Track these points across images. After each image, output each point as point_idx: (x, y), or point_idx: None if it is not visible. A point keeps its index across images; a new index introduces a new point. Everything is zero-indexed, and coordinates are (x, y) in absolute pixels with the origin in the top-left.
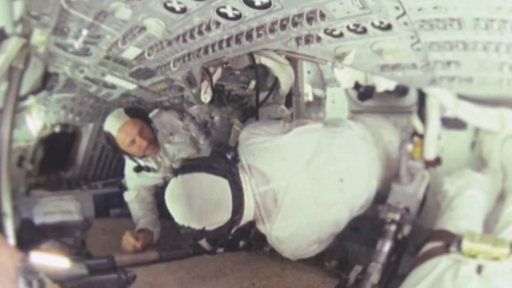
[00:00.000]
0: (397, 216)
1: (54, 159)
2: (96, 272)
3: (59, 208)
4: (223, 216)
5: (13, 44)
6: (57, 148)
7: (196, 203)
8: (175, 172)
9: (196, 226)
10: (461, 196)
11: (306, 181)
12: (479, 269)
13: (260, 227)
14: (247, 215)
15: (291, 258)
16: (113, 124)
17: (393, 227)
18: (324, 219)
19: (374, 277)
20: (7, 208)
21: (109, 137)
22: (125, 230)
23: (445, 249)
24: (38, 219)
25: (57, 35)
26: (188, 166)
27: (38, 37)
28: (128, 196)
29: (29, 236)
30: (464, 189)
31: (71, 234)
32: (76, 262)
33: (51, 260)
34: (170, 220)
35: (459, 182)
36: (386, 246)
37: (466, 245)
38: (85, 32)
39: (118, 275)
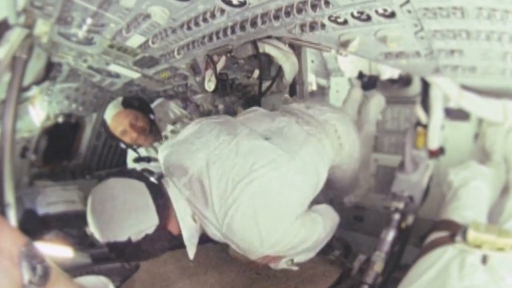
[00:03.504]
0: (401, 205)
1: (58, 149)
2: (100, 261)
3: (62, 198)
4: (148, 220)
5: (16, 35)
6: (60, 138)
7: (113, 210)
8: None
9: (119, 237)
10: (466, 187)
11: (226, 150)
12: (484, 259)
13: (207, 228)
14: (182, 213)
15: (275, 256)
16: (109, 113)
17: (397, 216)
18: (272, 181)
19: (378, 266)
20: (10, 198)
21: (104, 125)
22: None
23: (451, 239)
24: (42, 210)
25: (60, 25)
26: (104, 177)
27: (41, 27)
28: None
29: (33, 227)
30: (469, 180)
31: (75, 224)
32: (80, 252)
33: (54, 250)
34: None
35: (464, 173)
36: (390, 235)
37: (471, 235)
38: (89, 21)
39: (122, 264)
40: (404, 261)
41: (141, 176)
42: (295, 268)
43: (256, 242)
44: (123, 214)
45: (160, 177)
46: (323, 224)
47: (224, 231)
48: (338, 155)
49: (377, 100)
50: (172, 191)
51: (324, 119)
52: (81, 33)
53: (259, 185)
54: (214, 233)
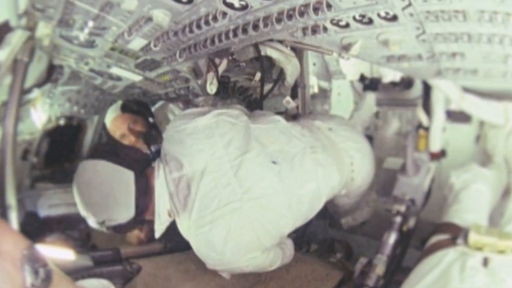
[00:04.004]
0: (402, 208)
1: (59, 151)
2: (101, 264)
3: (64, 200)
4: (124, 213)
5: (17, 37)
6: (62, 141)
7: (96, 194)
8: (86, 156)
9: (95, 218)
10: (468, 190)
11: (228, 165)
12: (485, 262)
13: (179, 222)
14: (161, 207)
15: (223, 270)
16: (108, 116)
17: (398, 219)
18: (259, 208)
19: (380, 269)
20: (12, 200)
21: (105, 128)
22: None
23: (452, 242)
24: (43, 212)
25: (62, 28)
26: (97, 151)
27: (43, 29)
28: None
29: (34, 229)
30: (471, 183)
31: (76, 227)
32: (81, 254)
33: (56, 252)
34: None
35: (466, 176)
36: (391, 238)
37: (472, 237)
38: (90, 23)
39: (123, 267)
40: (405, 264)
41: (132, 164)
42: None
43: (216, 261)
44: (103, 201)
45: (157, 152)
46: (281, 261)
47: (191, 238)
48: (345, 188)
49: (369, 102)
50: (159, 183)
51: (344, 148)
52: (83, 36)
53: (242, 215)
54: (182, 231)
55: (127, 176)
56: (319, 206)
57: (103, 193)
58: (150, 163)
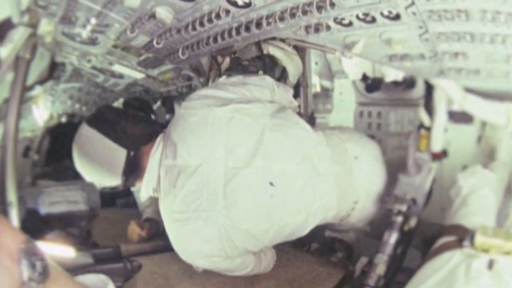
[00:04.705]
0: (404, 207)
1: (61, 149)
2: (102, 262)
3: (65, 198)
4: (111, 182)
5: (20, 34)
6: (64, 138)
7: (86, 160)
8: (89, 117)
9: (86, 178)
10: (475, 195)
11: (223, 171)
12: (491, 264)
13: (160, 203)
14: (149, 181)
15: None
16: None
17: (399, 218)
18: (234, 227)
19: (380, 268)
20: (13, 197)
21: None
22: (131, 220)
23: (459, 244)
24: (44, 209)
25: (64, 25)
26: (97, 118)
27: (45, 26)
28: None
29: (35, 226)
30: (479, 188)
31: (77, 224)
32: (82, 252)
33: (56, 249)
34: None
35: (473, 181)
36: (392, 238)
37: (478, 239)
38: (93, 20)
39: (124, 264)
40: (405, 264)
41: (128, 141)
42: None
43: (179, 252)
44: (92, 168)
45: (163, 126)
46: (254, 269)
47: (165, 223)
48: (340, 219)
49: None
50: (153, 162)
51: (358, 184)
52: (85, 33)
53: (215, 227)
54: (161, 211)
55: (119, 153)
56: (301, 234)
57: (93, 162)
58: (152, 138)
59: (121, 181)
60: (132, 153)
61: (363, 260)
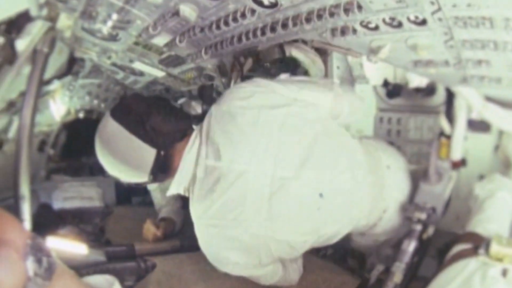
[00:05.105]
0: (423, 216)
1: (77, 145)
2: (115, 260)
3: (79, 193)
4: (137, 179)
5: (38, 27)
6: (80, 134)
7: (111, 155)
8: (115, 106)
9: (109, 173)
10: (492, 198)
11: (269, 180)
12: (505, 273)
13: (191, 204)
14: (181, 181)
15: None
16: None
17: (419, 227)
18: (274, 239)
19: (398, 277)
20: (25, 191)
21: None
22: (146, 218)
23: (474, 252)
24: (57, 204)
25: (84, 20)
26: (122, 111)
27: (64, 21)
28: (151, 185)
29: (47, 221)
30: (495, 191)
31: (91, 221)
32: (95, 249)
33: (68, 245)
34: None
35: (490, 186)
36: (411, 246)
37: (494, 248)
38: (114, 16)
39: (137, 264)
40: (420, 273)
41: (158, 139)
42: None
43: (205, 253)
44: (117, 163)
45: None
46: (281, 280)
47: (197, 225)
48: (368, 228)
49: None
50: (187, 161)
51: (388, 195)
52: (106, 29)
53: (252, 238)
54: (191, 212)
55: (148, 153)
56: (331, 242)
57: (118, 159)
58: (186, 134)
59: (148, 179)
60: (162, 152)
61: (379, 267)
